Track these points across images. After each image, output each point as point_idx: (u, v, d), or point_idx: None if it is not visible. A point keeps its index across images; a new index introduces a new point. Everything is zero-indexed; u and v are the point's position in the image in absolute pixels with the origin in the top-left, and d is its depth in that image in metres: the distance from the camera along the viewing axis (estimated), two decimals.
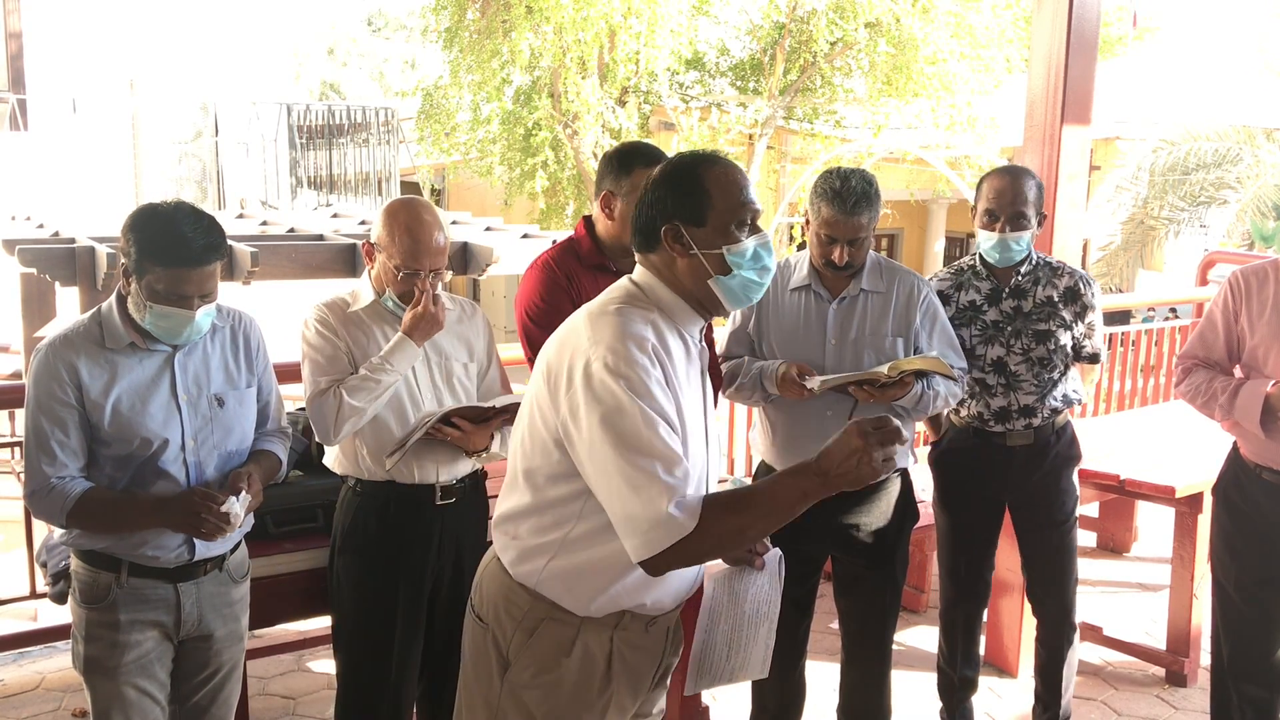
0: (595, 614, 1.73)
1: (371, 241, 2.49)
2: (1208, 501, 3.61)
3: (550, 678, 1.74)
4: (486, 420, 2.47)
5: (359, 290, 2.54)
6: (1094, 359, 3.05)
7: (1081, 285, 2.96)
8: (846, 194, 2.53)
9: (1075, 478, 3.09)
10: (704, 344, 1.83)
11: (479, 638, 1.81)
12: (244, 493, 2.13)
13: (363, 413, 2.40)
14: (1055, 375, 2.96)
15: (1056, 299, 2.94)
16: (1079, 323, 2.97)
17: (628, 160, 2.49)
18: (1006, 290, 2.94)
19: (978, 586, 3.19)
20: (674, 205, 1.72)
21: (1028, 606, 3.57)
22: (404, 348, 2.42)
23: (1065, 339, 2.95)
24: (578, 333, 1.68)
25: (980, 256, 2.97)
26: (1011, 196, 2.82)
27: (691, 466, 1.67)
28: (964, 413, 3.03)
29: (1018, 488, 3.04)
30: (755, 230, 1.75)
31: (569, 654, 1.73)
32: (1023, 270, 2.94)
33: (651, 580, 1.72)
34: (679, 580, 1.80)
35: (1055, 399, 2.97)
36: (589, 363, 1.61)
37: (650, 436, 1.57)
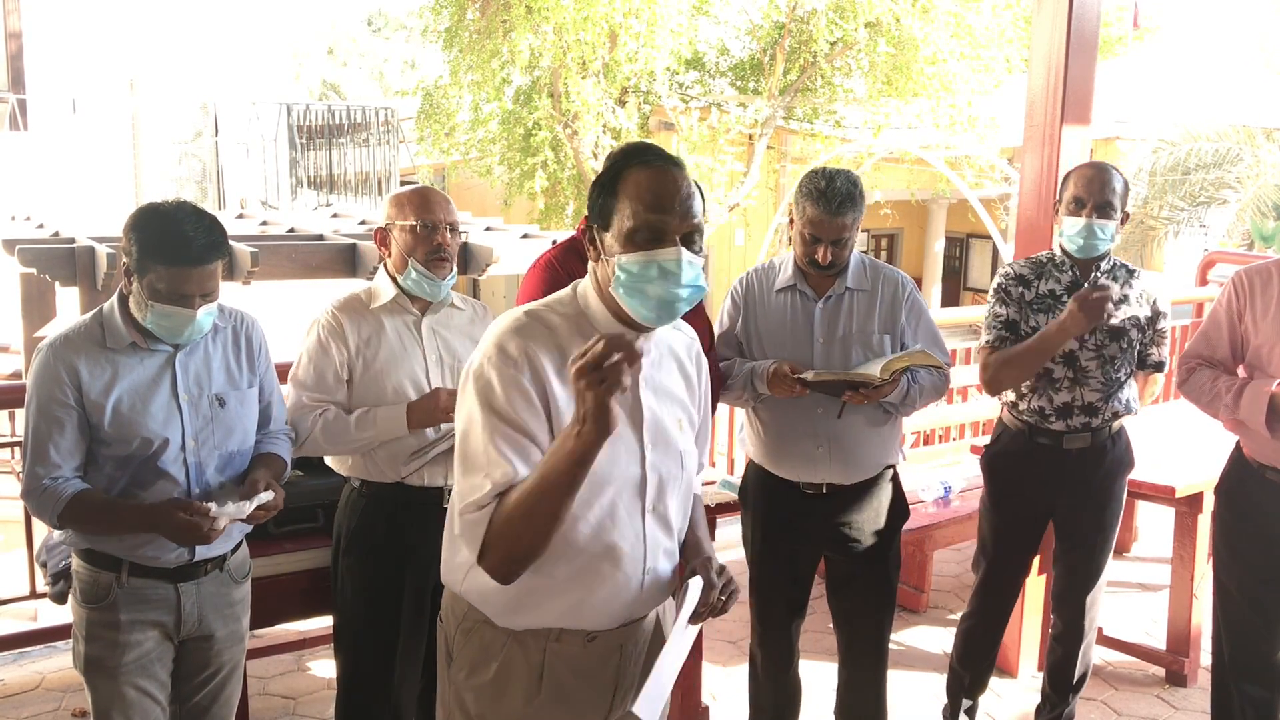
0: (515, 628, 1.67)
1: (383, 226, 2.50)
2: (1208, 502, 3.61)
3: (479, 680, 1.70)
4: None
5: (377, 288, 2.53)
6: (1159, 367, 3.00)
7: (1155, 289, 2.95)
8: (831, 195, 2.53)
9: (1125, 483, 3.06)
10: (652, 352, 1.69)
11: (438, 634, 1.80)
12: (261, 492, 2.15)
13: (327, 453, 2.49)
14: (1121, 376, 2.92)
15: (1133, 299, 2.91)
16: (1151, 327, 2.94)
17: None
18: (1087, 284, 2.88)
19: (1013, 591, 3.17)
20: (592, 203, 1.62)
21: (1028, 607, 3.58)
22: (396, 420, 2.42)
23: (1136, 340, 2.91)
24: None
25: (1061, 248, 2.94)
26: (1100, 185, 2.80)
27: (607, 483, 1.61)
28: (1022, 407, 2.97)
29: (1071, 492, 2.99)
30: (673, 243, 1.55)
31: (497, 658, 1.68)
32: (1103, 266, 2.91)
33: (570, 600, 1.65)
34: (603, 600, 1.67)
35: (1119, 401, 2.93)
36: (472, 363, 1.61)
37: (485, 444, 1.54)
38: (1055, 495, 3.01)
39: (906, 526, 2.89)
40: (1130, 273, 2.95)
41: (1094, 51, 3.48)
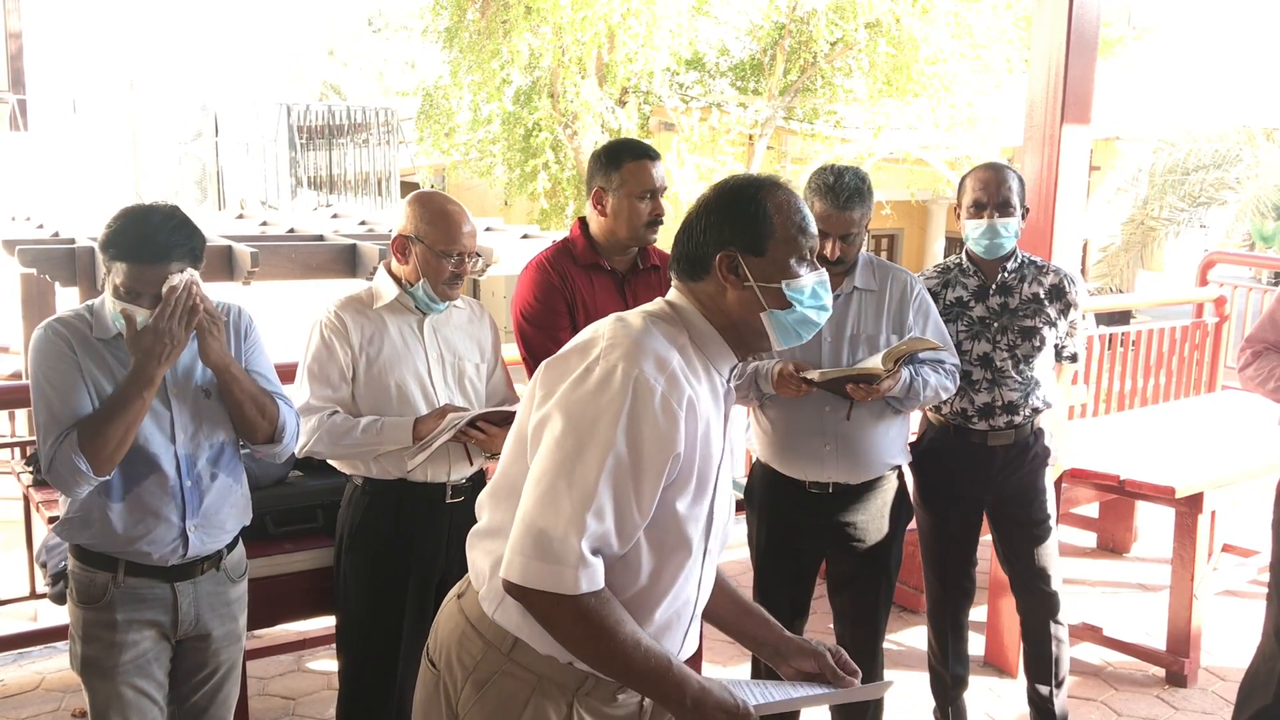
0: (557, 654, 1.55)
1: (406, 235, 2.46)
2: (1208, 502, 3.62)
3: None
4: (509, 423, 2.48)
5: (378, 288, 2.53)
6: (1073, 359, 3.09)
7: (1066, 283, 2.99)
8: (839, 189, 2.57)
9: (1046, 476, 3.09)
10: (730, 388, 1.65)
11: (430, 683, 1.66)
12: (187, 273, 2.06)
13: (328, 456, 2.48)
14: (1037, 374, 2.98)
15: (1042, 296, 2.97)
16: (1062, 319, 2.99)
17: (616, 155, 2.53)
18: (994, 287, 2.96)
19: (964, 584, 3.19)
20: (732, 231, 1.56)
21: None
22: (402, 431, 2.42)
23: (1050, 336, 2.97)
24: (592, 331, 1.57)
25: (966, 254, 3.01)
26: (997, 185, 2.87)
27: (701, 520, 1.56)
28: (945, 410, 3.03)
29: (998, 488, 3.04)
30: (815, 266, 1.62)
31: (520, 716, 1.55)
32: (1009, 267, 2.97)
33: None
34: (664, 641, 1.58)
35: (1037, 397, 2.99)
36: (595, 360, 1.48)
37: (600, 486, 1.42)
38: (980, 489, 3.06)
39: (907, 527, 2.90)
40: (1040, 268, 3.00)
41: (1094, 51, 3.48)
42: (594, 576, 1.44)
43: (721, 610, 1.78)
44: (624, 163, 2.50)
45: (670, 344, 1.52)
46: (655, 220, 2.54)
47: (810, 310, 1.59)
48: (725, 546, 1.72)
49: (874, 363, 2.53)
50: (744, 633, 1.78)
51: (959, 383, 2.96)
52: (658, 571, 1.53)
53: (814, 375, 2.54)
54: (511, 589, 1.47)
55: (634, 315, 1.58)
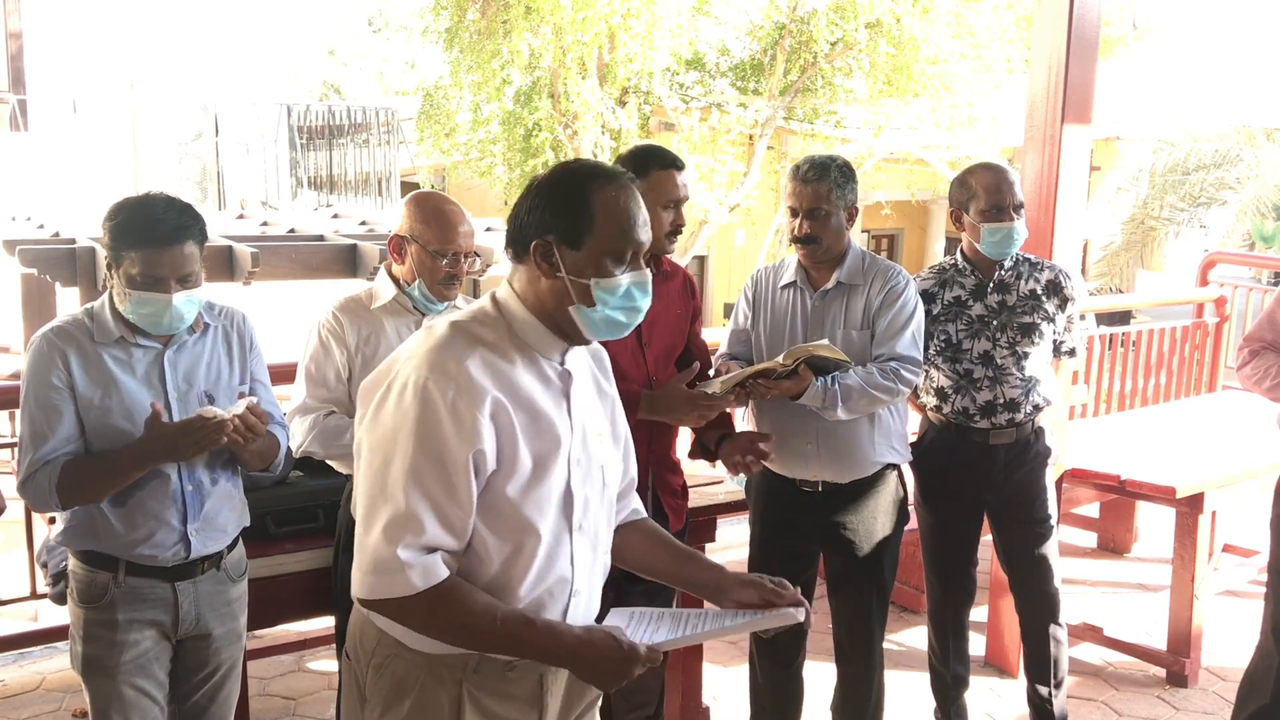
0: (426, 649, 1.58)
1: (401, 235, 2.47)
2: (1208, 502, 3.62)
3: (392, 718, 1.61)
4: None
5: (377, 288, 2.54)
6: (1071, 354, 3.11)
7: (1062, 279, 3.01)
8: (804, 164, 2.65)
9: (1048, 474, 3.09)
10: (566, 369, 1.64)
11: (347, 674, 1.72)
12: (239, 403, 2.11)
13: (322, 455, 2.50)
14: (1038, 371, 2.99)
15: (1040, 292, 2.98)
16: (1060, 314, 3.00)
17: (643, 163, 2.51)
18: (991, 285, 2.97)
19: (964, 583, 3.20)
20: (551, 219, 1.54)
21: None
22: None
23: (1049, 332, 2.98)
24: (401, 347, 1.61)
25: (962, 254, 3.01)
26: (1010, 186, 2.88)
27: (546, 502, 1.57)
28: (946, 409, 3.03)
29: (999, 487, 3.05)
30: (635, 266, 1.58)
31: (410, 695, 1.59)
32: (1005, 265, 2.98)
33: None
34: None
35: (1038, 394, 2.99)
36: (394, 377, 1.53)
37: (404, 486, 1.48)
38: (981, 488, 3.06)
39: (907, 526, 2.89)
40: (1034, 265, 3.01)
41: (1094, 51, 3.48)
42: (429, 572, 1.49)
43: (659, 564, 1.82)
44: (651, 171, 2.48)
45: (474, 344, 1.54)
46: (675, 230, 2.54)
47: (616, 312, 1.57)
48: (613, 520, 1.76)
49: (777, 360, 2.50)
50: (685, 579, 1.81)
51: (961, 381, 2.96)
52: (510, 557, 1.56)
53: (715, 387, 2.51)
54: (363, 604, 1.55)
55: (441, 322, 1.59)
